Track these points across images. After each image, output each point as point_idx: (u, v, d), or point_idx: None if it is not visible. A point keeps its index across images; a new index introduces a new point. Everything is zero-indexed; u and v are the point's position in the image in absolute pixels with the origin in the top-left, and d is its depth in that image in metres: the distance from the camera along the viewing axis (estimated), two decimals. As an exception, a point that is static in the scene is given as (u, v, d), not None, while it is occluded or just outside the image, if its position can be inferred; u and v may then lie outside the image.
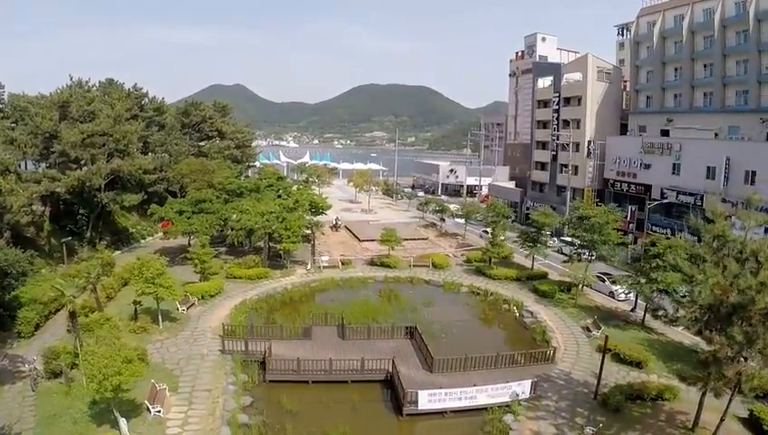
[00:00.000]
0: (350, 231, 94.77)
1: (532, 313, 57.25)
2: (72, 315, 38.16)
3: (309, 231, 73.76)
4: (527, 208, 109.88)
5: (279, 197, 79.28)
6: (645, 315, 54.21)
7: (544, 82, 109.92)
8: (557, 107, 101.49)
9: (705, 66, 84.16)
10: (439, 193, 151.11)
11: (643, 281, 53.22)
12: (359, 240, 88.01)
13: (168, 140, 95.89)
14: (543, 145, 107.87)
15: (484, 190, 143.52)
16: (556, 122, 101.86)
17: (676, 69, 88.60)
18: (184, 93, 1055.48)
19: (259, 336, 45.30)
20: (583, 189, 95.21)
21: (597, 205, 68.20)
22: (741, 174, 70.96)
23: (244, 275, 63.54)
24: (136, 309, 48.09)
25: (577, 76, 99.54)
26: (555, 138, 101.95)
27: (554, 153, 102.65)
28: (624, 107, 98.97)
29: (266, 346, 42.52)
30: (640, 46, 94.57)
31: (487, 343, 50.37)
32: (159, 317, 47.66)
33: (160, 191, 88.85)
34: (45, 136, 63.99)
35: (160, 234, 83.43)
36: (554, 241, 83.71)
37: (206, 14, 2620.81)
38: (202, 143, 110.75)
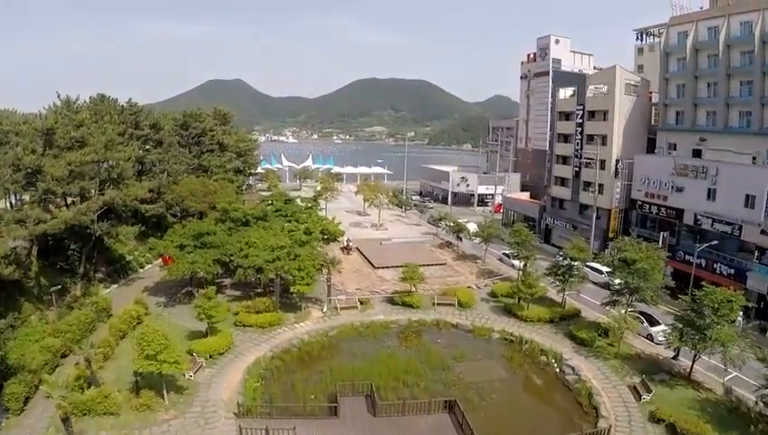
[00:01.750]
0: (362, 254, 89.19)
1: (573, 368, 52.22)
2: (65, 421, 33.01)
3: (324, 269, 67.98)
4: (546, 225, 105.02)
5: (289, 222, 73.93)
6: (692, 367, 50.08)
7: (565, 92, 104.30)
8: (581, 121, 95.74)
9: (741, 84, 78.50)
10: (449, 202, 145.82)
11: (695, 337, 48.28)
12: (373, 267, 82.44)
13: (167, 159, 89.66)
14: (564, 160, 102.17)
15: (497, 199, 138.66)
16: (579, 137, 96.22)
17: (709, 84, 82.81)
18: (184, 88, 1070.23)
19: (280, 415, 39.77)
20: (609, 210, 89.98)
21: (637, 243, 62.37)
22: (783, 205, 65.54)
23: (255, 322, 57.60)
24: (137, 381, 42.38)
25: (603, 88, 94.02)
26: (578, 153, 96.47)
27: (577, 169, 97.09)
28: (652, 122, 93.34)
29: (290, 432, 36.86)
30: (670, 58, 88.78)
31: (531, 411, 46.22)
32: (164, 390, 41.78)
33: (160, 213, 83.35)
34: (28, 171, 55.92)
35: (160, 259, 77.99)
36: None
37: (207, 9, 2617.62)
38: (203, 156, 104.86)
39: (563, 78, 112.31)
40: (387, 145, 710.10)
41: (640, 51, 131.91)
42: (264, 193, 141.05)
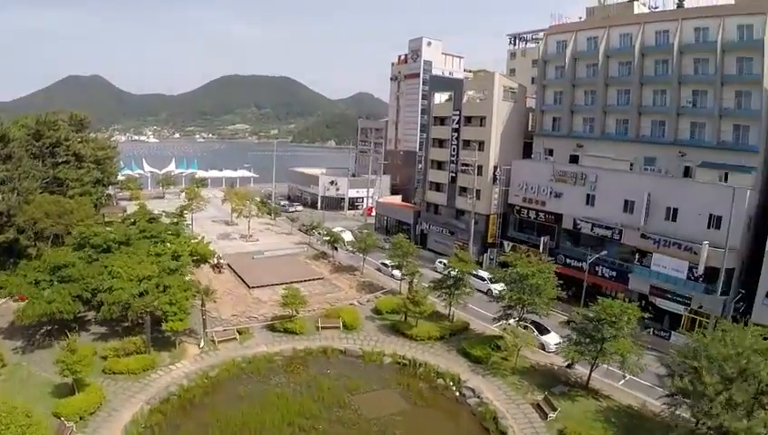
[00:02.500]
0: (234, 272, 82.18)
1: (473, 390, 49.87)
2: None
3: (198, 300, 59.68)
4: (422, 231, 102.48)
5: (155, 244, 66.09)
6: (590, 376, 50.56)
7: (441, 97, 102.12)
8: (457, 126, 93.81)
9: (619, 92, 79.11)
10: (319, 207, 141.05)
11: (595, 349, 47.93)
12: (248, 287, 75.73)
13: (17, 175, 77.69)
14: (440, 165, 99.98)
15: (368, 202, 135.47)
16: (456, 142, 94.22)
17: (586, 92, 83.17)
18: (39, 85, 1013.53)
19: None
20: (488, 215, 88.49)
21: (527, 256, 60.40)
22: (662, 210, 66.70)
23: (126, 368, 49.31)
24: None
25: (481, 94, 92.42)
26: (454, 159, 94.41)
27: (453, 175, 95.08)
28: (529, 128, 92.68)
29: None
30: (548, 65, 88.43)
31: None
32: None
33: (11, 239, 73.15)
34: None
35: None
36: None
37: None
38: (59, 167, 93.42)
39: (440, 83, 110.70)
40: (250, 143, 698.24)
41: (513, 55, 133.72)
42: (125, 202, 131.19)
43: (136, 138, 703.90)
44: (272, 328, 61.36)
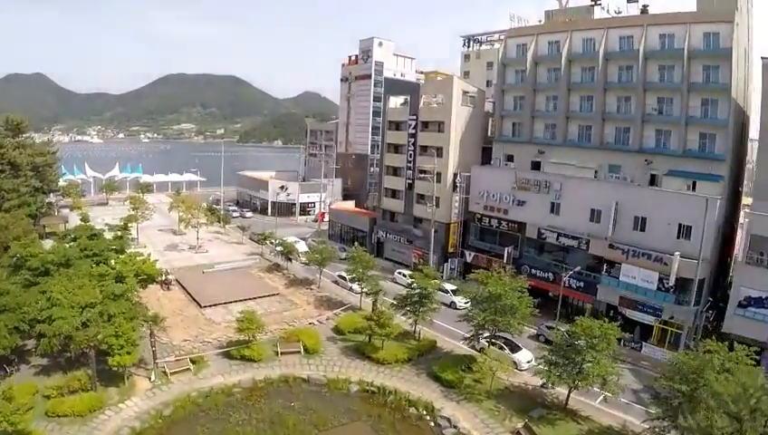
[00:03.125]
0: (184, 289, 77.27)
1: (449, 420, 46.76)
2: None
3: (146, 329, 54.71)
4: (378, 239, 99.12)
5: (97, 264, 61.05)
6: (568, 398, 48.56)
7: (396, 100, 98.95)
8: (413, 131, 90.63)
9: (582, 98, 77.04)
10: (269, 212, 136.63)
11: (574, 371, 45.63)
12: (199, 306, 70.91)
13: None
14: (396, 171, 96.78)
15: (319, 207, 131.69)
16: (412, 148, 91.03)
17: (548, 98, 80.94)
18: None
19: None
20: (448, 224, 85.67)
21: (497, 273, 57.11)
22: (629, 219, 65.30)
23: (71, 409, 43.85)
24: None
25: (438, 98, 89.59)
26: (411, 165, 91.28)
27: (410, 182, 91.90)
28: (489, 134, 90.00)
29: None
30: (508, 69, 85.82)
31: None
32: None
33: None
34: None
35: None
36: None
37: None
38: None
39: (395, 86, 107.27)
40: (196, 143, 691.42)
41: (467, 57, 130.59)
42: (67, 210, 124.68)
43: (79, 138, 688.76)
44: (227, 355, 56.56)
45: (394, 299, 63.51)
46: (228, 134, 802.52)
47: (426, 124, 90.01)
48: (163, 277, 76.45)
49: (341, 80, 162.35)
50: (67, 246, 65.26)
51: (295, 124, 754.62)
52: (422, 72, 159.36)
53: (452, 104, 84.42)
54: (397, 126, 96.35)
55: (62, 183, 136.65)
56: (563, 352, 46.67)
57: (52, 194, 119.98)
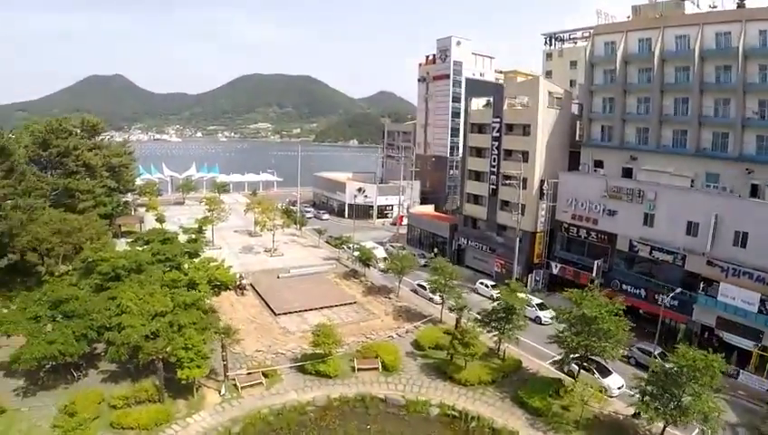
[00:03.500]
0: (258, 295, 76.29)
1: (541, 455, 43.06)
2: None
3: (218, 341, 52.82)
4: (459, 246, 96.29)
5: (169, 269, 60.39)
6: (663, 432, 44.17)
7: (479, 102, 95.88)
8: (498, 135, 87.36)
9: (676, 100, 72.11)
10: (346, 215, 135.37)
11: (673, 406, 41.63)
12: (273, 313, 69.44)
13: (19, 190, 72.06)
14: (478, 176, 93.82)
15: (397, 210, 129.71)
16: (496, 152, 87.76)
17: (640, 99, 76.31)
18: (62, 84, 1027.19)
19: None
20: (533, 233, 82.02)
21: (590, 291, 53.49)
22: (729, 234, 59.63)
23: (137, 422, 42.65)
24: None
25: (523, 100, 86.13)
26: (495, 170, 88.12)
27: (494, 187, 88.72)
28: (577, 138, 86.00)
29: None
30: (596, 69, 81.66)
31: None
32: None
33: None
34: None
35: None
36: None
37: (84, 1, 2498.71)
38: (69, 178, 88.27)
39: (477, 87, 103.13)
40: (273, 142, 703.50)
41: (549, 56, 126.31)
42: (143, 209, 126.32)
43: (158, 137, 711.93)
44: (302, 369, 54.70)
45: (478, 314, 60.35)
46: (304, 133, 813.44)
47: (510, 127, 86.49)
48: (237, 282, 75.46)
49: (419, 80, 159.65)
50: (139, 250, 64.74)
51: (371, 124, 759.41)
52: (500, 72, 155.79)
53: (538, 106, 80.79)
54: (479, 129, 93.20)
55: (139, 182, 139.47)
56: (661, 383, 42.97)
57: (129, 193, 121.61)
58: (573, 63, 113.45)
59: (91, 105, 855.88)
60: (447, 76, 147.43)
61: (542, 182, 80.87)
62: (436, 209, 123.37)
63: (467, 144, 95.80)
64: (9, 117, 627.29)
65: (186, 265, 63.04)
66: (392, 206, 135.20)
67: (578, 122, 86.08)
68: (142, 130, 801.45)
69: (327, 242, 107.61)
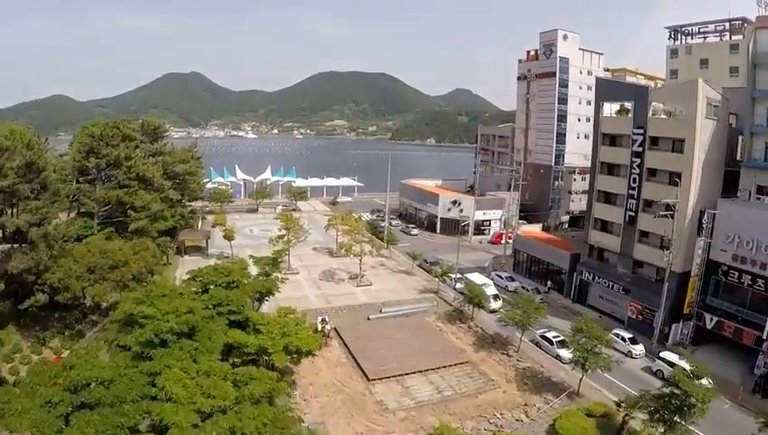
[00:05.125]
0: (346, 347, 61.45)
1: None
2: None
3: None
4: (581, 280, 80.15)
5: (231, 325, 46.72)
6: None
7: (611, 107, 79.47)
8: (640, 149, 70.70)
9: None
10: (438, 230, 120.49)
11: None
12: (366, 378, 54.65)
13: (49, 214, 58.04)
14: (609, 198, 77.48)
15: (496, 225, 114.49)
16: (637, 171, 71.24)
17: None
18: (140, 82, 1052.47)
19: None
20: (683, 274, 65.05)
21: None
22: None
23: None
24: None
25: (671, 107, 69.78)
26: (635, 193, 71.75)
27: (632, 214, 72.36)
28: (738, 157, 68.62)
29: None
30: (760, 70, 64.68)
31: None
32: None
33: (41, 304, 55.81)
34: None
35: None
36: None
37: (162, 1, 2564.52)
38: (120, 191, 75.45)
39: (612, 89, 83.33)
40: (348, 140, 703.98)
41: (673, 53, 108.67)
42: (210, 217, 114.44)
43: (234, 133, 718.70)
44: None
45: (641, 398, 44.92)
46: (380, 131, 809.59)
47: (654, 140, 69.81)
48: (319, 326, 61.72)
49: (518, 78, 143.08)
50: (194, 297, 49.73)
51: (448, 122, 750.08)
52: (608, 70, 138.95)
53: (697, 116, 64.08)
54: (612, 140, 76.66)
55: (211, 184, 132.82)
56: None
57: (197, 201, 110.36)
58: (704, 62, 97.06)
59: (168, 102, 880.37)
60: (553, 74, 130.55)
61: (701, 213, 63.86)
62: (535, 225, 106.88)
63: (597, 158, 78.94)
64: (89, 113, 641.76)
65: (254, 319, 48.69)
66: (490, 221, 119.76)
67: (740, 138, 68.50)
68: (219, 126, 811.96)
69: (420, 266, 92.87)
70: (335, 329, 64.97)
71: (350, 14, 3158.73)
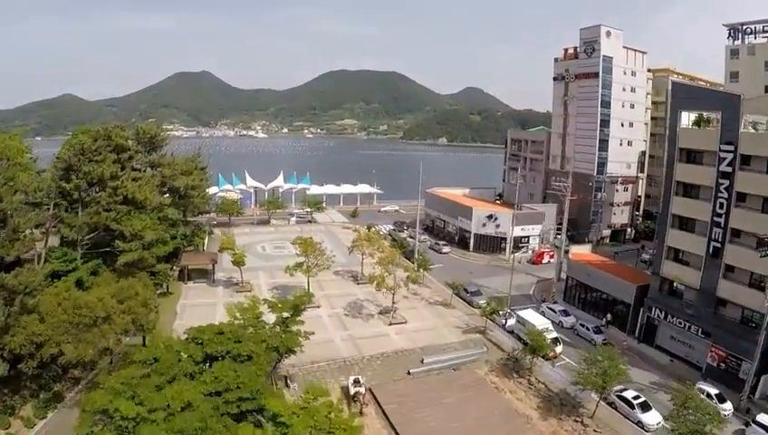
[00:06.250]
0: (384, 415, 49.81)
1: None
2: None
3: None
4: (649, 317, 68.77)
5: (242, 415, 35.28)
6: None
7: (689, 117, 67.59)
8: (729, 169, 59.36)
9: None
10: (471, 247, 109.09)
11: None
12: None
13: (11, 255, 47.11)
14: (685, 223, 65.96)
15: (534, 242, 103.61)
16: (725, 195, 59.95)
17: None
18: (150, 81, 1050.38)
19: None
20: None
21: None
22: None
23: None
24: None
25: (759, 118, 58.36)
26: (721, 220, 60.36)
27: (717, 245, 61.07)
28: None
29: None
30: None
31: None
32: None
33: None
34: None
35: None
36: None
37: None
38: (105, 214, 63.94)
39: (692, 96, 71.14)
40: (359, 139, 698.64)
41: (733, 53, 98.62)
42: (218, 231, 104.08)
43: (244, 132, 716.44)
44: None
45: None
46: (391, 130, 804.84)
47: (746, 160, 58.45)
48: (352, 390, 51.01)
49: (555, 78, 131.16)
50: (192, 385, 36.97)
51: (459, 121, 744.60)
52: (650, 70, 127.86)
53: (807, 130, 52.73)
54: (692, 156, 65.00)
55: (220, 193, 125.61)
56: None
57: (203, 215, 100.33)
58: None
59: (178, 101, 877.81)
60: (596, 75, 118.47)
61: (808, 247, 52.33)
62: (583, 245, 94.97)
63: (672, 177, 67.12)
64: (100, 112, 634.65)
65: (274, 408, 36.64)
66: (528, 238, 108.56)
67: None
68: (228, 126, 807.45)
69: (458, 295, 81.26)
70: (370, 389, 53.43)
71: (360, 13, 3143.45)
